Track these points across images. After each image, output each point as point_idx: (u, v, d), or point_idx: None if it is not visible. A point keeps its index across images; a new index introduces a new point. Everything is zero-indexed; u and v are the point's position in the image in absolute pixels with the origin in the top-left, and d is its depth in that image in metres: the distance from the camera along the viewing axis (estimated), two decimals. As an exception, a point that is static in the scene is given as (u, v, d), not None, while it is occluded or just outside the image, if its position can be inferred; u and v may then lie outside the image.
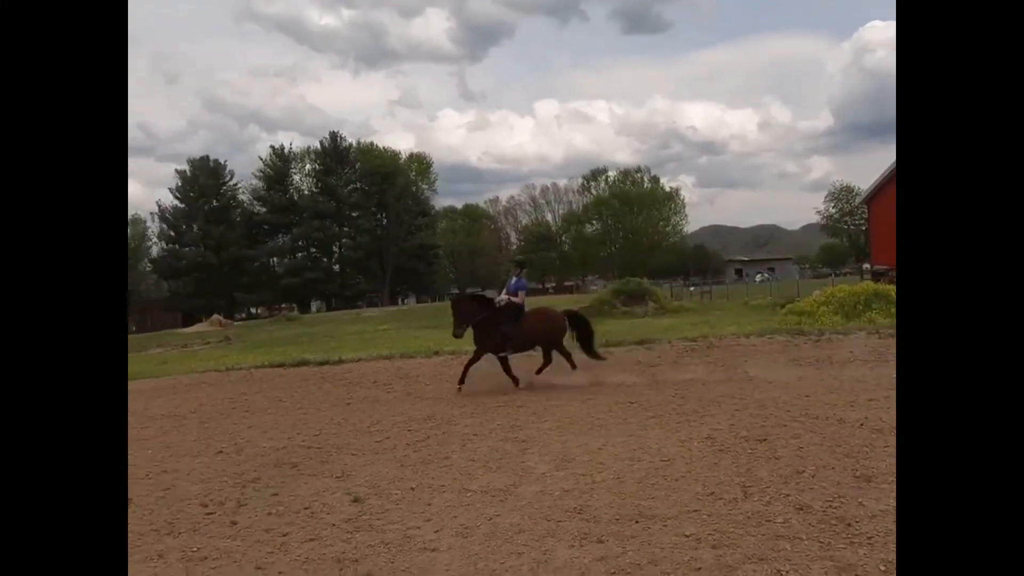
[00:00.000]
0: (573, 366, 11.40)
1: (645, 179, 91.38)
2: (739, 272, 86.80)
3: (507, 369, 11.22)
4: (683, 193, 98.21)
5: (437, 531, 4.96)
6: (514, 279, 11.72)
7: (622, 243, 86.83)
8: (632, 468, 6.18)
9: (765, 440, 6.76)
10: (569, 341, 11.71)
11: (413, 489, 6.00)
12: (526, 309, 11.50)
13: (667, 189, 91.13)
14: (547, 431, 7.88)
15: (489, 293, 11.84)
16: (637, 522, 4.86)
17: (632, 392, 9.90)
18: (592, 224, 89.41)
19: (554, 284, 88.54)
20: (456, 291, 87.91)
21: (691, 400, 8.98)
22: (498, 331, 11.07)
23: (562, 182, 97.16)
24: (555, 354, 11.57)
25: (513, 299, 11.38)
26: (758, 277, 72.04)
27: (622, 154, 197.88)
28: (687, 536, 4.56)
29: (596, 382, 10.95)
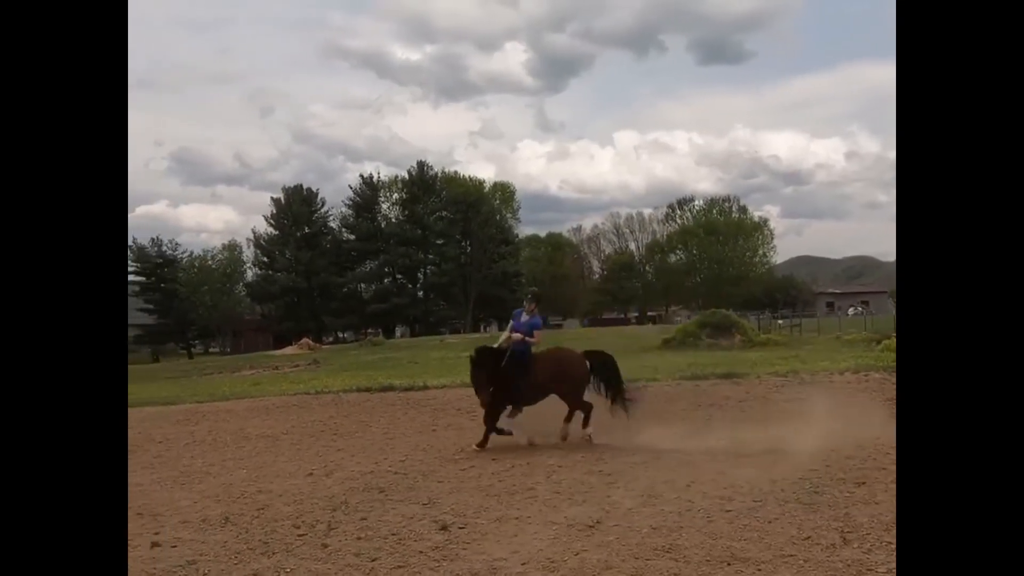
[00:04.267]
0: (588, 438, 9.22)
1: (733, 208, 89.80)
2: (830, 305, 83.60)
3: (491, 425, 9.36)
4: (771, 223, 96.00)
5: (524, 564, 4.94)
6: (525, 316, 9.67)
7: (707, 273, 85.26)
8: (722, 507, 6.01)
9: (864, 483, 6.48)
10: (594, 392, 9.62)
11: (499, 520, 6.01)
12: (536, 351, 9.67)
13: (755, 219, 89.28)
14: (632, 465, 7.76)
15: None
16: (729, 564, 4.73)
17: (720, 428, 9.65)
18: (677, 254, 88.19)
19: (637, 314, 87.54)
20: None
21: (783, 438, 8.68)
22: (510, 382, 9.33)
23: (647, 211, 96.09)
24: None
25: (528, 339, 9.51)
26: (851, 310, 69.23)
27: (704, 184, 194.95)
28: (783, 582, 4.40)
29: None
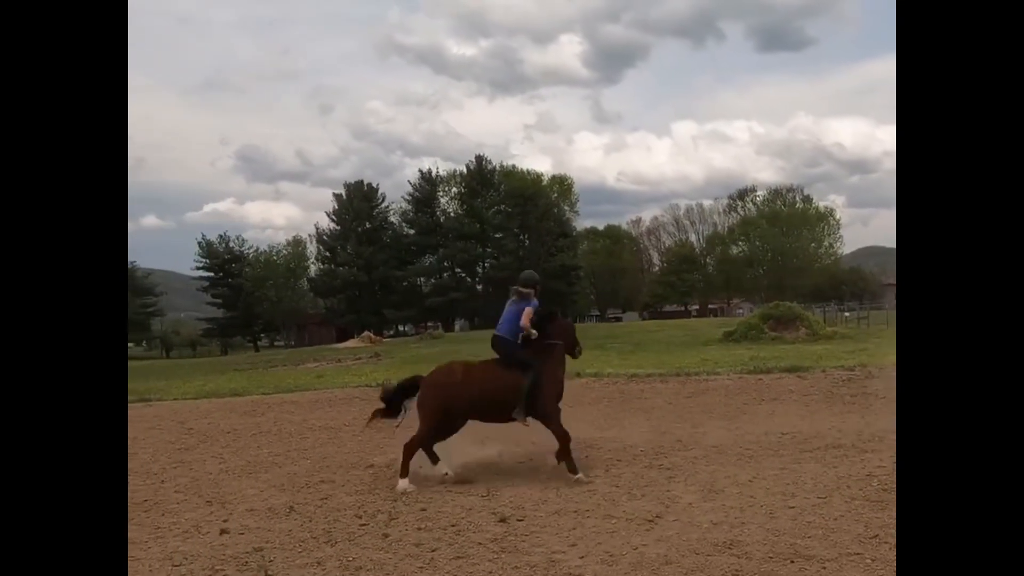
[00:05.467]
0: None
1: (797, 198, 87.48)
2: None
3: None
4: (837, 213, 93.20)
5: (582, 557, 4.93)
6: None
7: (770, 265, 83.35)
8: (785, 503, 5.89)
9: (935, 481, 6.26)
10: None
11: (557, 513, 6.01)
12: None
13: (820, 209, 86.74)
14: (693, 459, 7.67)
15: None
16: (792, 561, 4.63)
17: (783, 422, 9.46)
18: (738, 245, 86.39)
19: (697, 307, 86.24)
20: (597, 313, 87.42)
21: (849, 434, 8.46)
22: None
23: (707, 203, 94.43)
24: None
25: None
26: (922, 302, 66.71)
27: (765, 173, 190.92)
28: (848, 581, 4.29)
29: (743, 411, 10.55)
